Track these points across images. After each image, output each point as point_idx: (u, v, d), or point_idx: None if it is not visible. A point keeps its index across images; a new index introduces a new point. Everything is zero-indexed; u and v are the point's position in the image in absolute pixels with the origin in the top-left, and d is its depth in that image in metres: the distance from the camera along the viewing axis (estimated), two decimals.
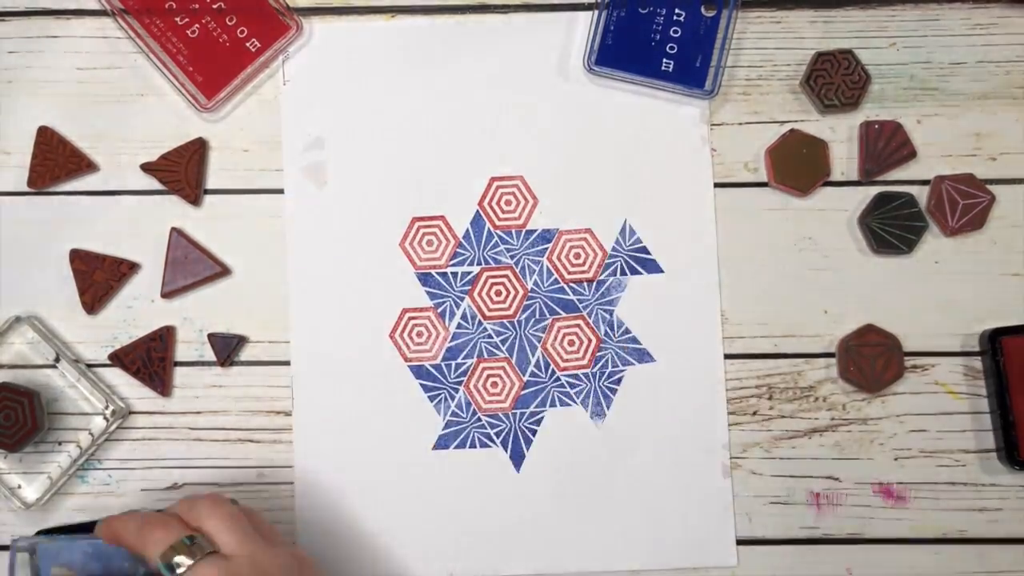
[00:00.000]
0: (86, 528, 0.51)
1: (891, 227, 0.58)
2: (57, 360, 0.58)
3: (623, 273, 0.59)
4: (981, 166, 0.59)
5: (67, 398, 0.58)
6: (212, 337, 0.58)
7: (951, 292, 0.59)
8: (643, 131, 0.60)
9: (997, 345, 0.57)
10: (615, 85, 0.60)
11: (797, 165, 0.59)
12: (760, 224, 0.59)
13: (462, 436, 0.58)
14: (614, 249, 0.59)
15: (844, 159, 0.60)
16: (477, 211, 0.60)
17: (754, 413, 0.58)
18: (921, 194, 0.59)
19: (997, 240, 0.59)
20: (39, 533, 0.52)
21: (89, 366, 0.58)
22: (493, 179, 0.60)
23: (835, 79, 0.59)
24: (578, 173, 0.60)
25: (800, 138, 0.59)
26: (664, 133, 0.60)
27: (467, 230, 0.59)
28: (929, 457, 0.58)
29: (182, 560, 0.45)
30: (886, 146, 0.59)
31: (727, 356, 0.59)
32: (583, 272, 0.59)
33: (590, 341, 0.59)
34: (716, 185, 0.60)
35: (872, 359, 0.57)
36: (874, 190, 0.59)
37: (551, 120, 0.60)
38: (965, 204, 0.58)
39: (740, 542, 0.58)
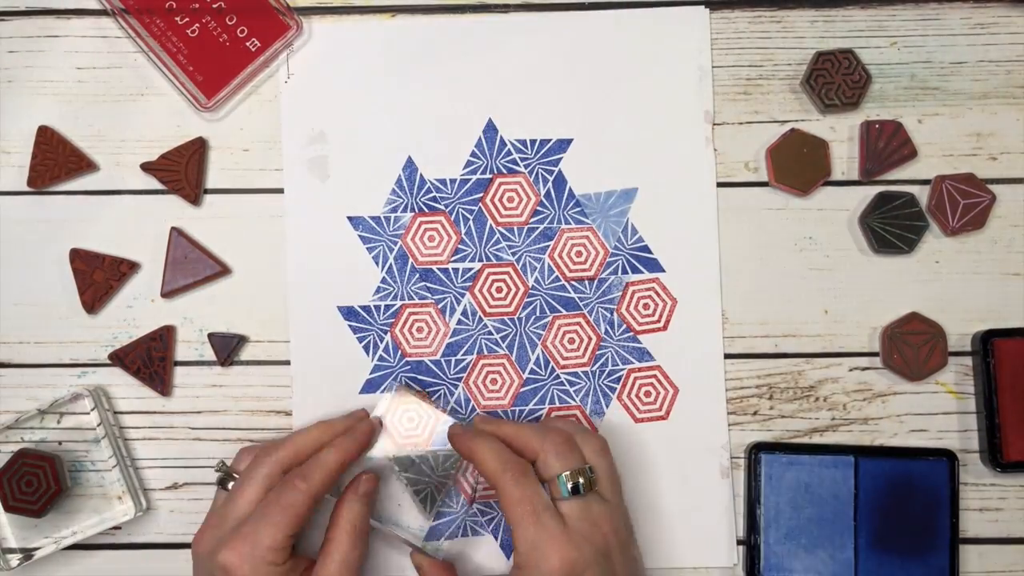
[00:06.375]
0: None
1: (892, 227, 0.58)
2: (101, 439, 0.57)
3: (624, 272, 0.59)
4: (982, 166, 0.59)
5: (89, 480, 0.58)
6: (212, 337, 0.58)
7: (952, 292, 0.59)
8: (647, 131, 0.59)
9: (989, 347, 0.57)
10: (620, 85, 0.60)
11: (798, 165, 0.59)
12: (760, 224, 0.59)
13: None
14: (615, 248, 0.59)
15: (845, 159, 0.60)
16: (479, 208, 0.59)
17: (754, 413, 0.58)
18: (922, 194, 0.59)
19: (998, 240, 0.59)
20: None
21: (114, 414, 0.59)
22: (495, 176, 0.60)
23: (836, 79, 0.59)
24: None
25: (801, 138, 0.59)
26: (668, 133, 0.59)
27: (469, 226, 0.59)
28: None
29: (581, 487, 0.49)
30: (887, 146, 0.59)
31: (727, 356, 0.59)
32: (584, 270, 0.59)
33: (590, 339, 0.59)
34: (717, 185, 0.59)
35: (916, 347, 0.57)
36: (875, 190, 0.59)
37: (553, 118, 0.60)
38: (966, 204, 0.58)
39: (740, 542, 0.58)
